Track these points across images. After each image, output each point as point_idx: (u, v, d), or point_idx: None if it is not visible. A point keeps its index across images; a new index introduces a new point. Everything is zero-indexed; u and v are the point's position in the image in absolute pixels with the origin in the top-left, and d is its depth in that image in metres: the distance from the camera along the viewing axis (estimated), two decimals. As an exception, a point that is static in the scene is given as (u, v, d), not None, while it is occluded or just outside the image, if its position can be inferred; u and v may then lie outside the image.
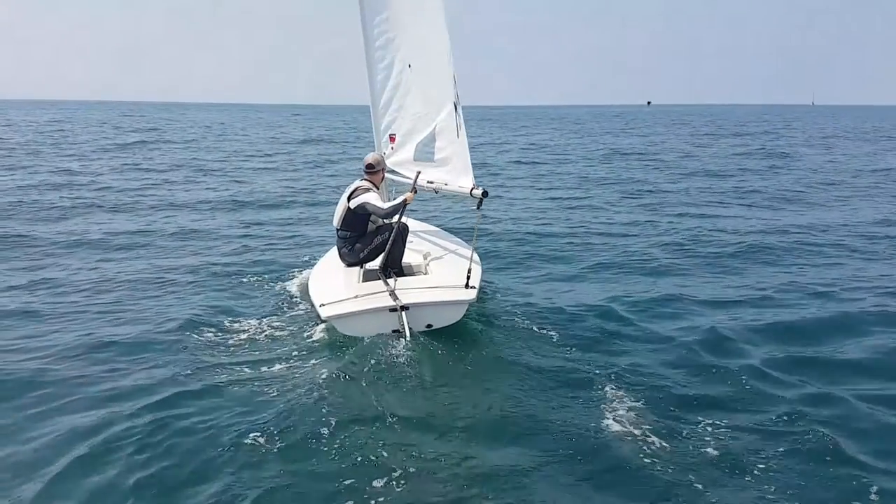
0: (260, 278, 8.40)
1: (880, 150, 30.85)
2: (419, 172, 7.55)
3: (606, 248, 10.55)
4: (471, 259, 6.57)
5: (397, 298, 5.96)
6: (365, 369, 5.24)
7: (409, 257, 7.29)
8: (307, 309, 6.91)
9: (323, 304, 6.05)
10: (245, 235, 11.50)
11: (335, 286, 6.64)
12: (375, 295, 6.19)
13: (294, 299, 7.39)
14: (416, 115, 8.02)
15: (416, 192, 7.59)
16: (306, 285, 7.40)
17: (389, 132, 8.51)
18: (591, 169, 23.56)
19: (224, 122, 64.95)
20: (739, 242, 10.69)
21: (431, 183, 7.56)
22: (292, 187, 18.17)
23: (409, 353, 5.51)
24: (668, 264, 9.47)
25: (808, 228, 12.10)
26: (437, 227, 9.13)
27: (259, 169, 22.98)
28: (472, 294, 6.12)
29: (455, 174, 7.30)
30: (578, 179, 20.46)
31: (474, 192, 6.80)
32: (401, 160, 8.27)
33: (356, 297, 6.20)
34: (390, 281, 6.49)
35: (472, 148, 7.44)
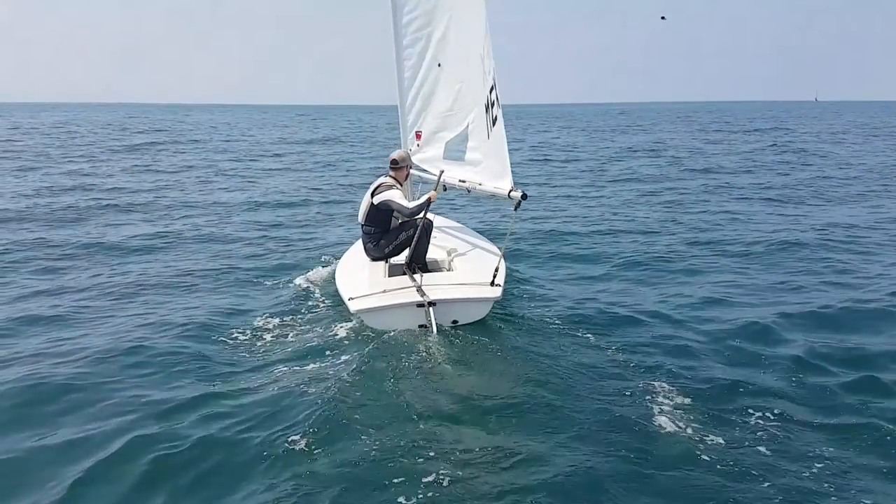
0: (281, 278, 8.35)
1: (893, 146, 30.60)
2: (442, 171, 7.61)
3: (633, 245, 10.40)
4: (500, 258, 6.63)
5: (424, 294, 6.04)
6: (396, 366, 5.23)
7: (432, 253, 7.35)
8: (331, 306, 6.92)
9: (352, 298, 6.16)
10: (263, 236, 11.40)
11: (363, 280, 6.73)
12: (403, 290, 6.26)
13: (317, 297, 7.35)
14: (444, 114, 7.99)
15: (445, 189, 7.81)
16: (328, 283, 7.56)
17: (416, 129, 8.46)
18: (605, 166, 23.45)
19: (228, 122, 65.04)
20: (767, 240, 10.53)
21: (464, 182, 7.57)
22: (305, 187, 18.10)
23: (439, 349, 5.52)
24: (696, 261, 9.34)
25: (833, 225, 11.91)
26: (460, 223, 9.14)
27: (270, 169, 22.91)
28: (497, 292, 6.19)
29: (490, 175, 7.25)
30: (593, 177, 20.36)
31: (513, 193, 6.76)
32: (427, 157, 8.25)
33: (384, 291, 6.26)
34: (416, 276, 6.54)
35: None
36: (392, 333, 5.86)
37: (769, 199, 15.27)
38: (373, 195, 7.03)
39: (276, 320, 6.59)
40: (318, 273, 8.33)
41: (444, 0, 7.44)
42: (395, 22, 7.96)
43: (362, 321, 6.16)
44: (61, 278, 8.45)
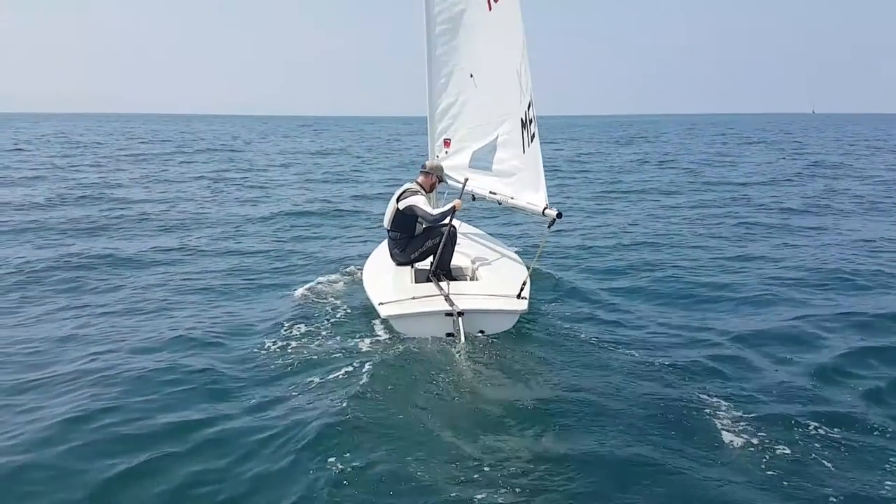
0: (301, 288, 8.17)
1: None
2: (466, 179, 7.84)
3: (661, 258, 10.22)
4: (528, 273, 6.75)
5: (453, 304, 6.17)
6: (429, 376, 5.35)
7: (456, 260, 7.51)
8: (355, 315, 6.93)
9: (382, 303, 6.29)
10: (281, 247, 11.23)
11: (391, 286, 6.88)
12: (432, 298, 6.42)
13: (342, 306, 7.29)
14: (474, 124, 8.01)
15: (473, 198, 8.06)
16: (350, 292, 7.76)
17: (444, 137, 8.46)
18: (619, 177, 23.37)
19: (228, 132, 65.01)
20: (803, 254, 10.39)
21: (494, 194, 7.63)
22: (317, 198, 17.94)
23: (467, 360, 5.65)
24: (729, 274, 9.17)
25: (866, 240, 11.61)
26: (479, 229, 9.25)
27: (280, 180, 22.74)
28: (524, 305, 6.33)
29: (522, 188, 7.29)
30: (607, 188, 20.21)
31: (547, 211, 6.80)
32: (454, 165, 8.31)
33: (413, 298, 6.42)
34: (443, 284, 6.68)
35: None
36: (420, 341, 6.01)
37: (792, 209, 15.10)
38: (398, 200, 7.11)
39: (303, 328, 6.56)
40: (340, 282, 8.36)
41: (478, 14, 7.40)
42: (427, 32, 7.90)
43: (389, 329, 6.30)
44: (85, 293, 8.25)
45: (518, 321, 6.39)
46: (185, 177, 22.72)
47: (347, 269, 8.90)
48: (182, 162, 28.84)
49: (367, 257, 8.18)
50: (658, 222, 13.70)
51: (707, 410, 4.81)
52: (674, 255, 10.42)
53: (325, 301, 7.53)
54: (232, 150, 37.70)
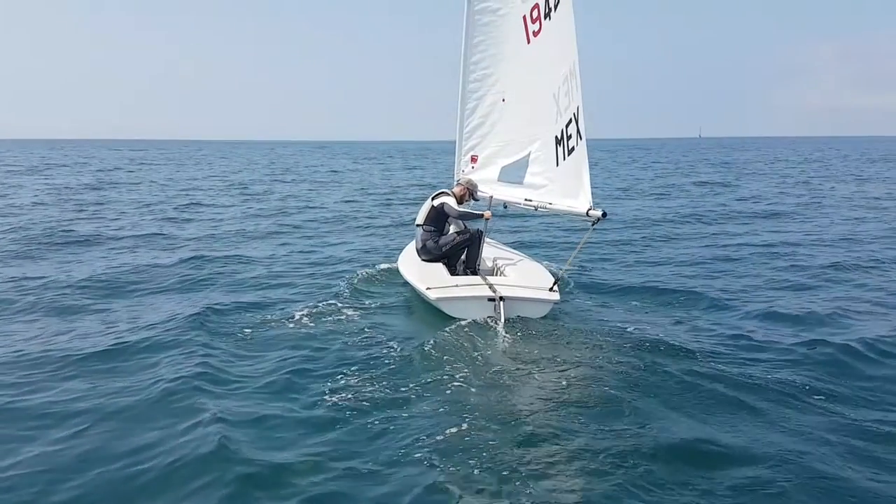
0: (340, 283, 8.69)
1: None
2: (492, 196, 8.71)
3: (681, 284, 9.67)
4: (564, 269, 7.79)
5: (495, 290, 6.98)
6: (471, 353, 6.04)
7: (483, 262, 8.40)
8: (392, 305, 7.57)
9: (429, 288, 7.12)
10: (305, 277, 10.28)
11: (434, 275, 7.67)
12: (475, 285, 7.29)
13: (377, 320, 7.37)
14: (503, 143, 8.78)
15: (505, 207, 8.95)
16: (380, 289, 8.61)
17: (472, 153, 9.19)
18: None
19: (142, 156, 61.45)
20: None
21: (530, 201, 8.25)
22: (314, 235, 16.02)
23: (507, 341, 6.34)
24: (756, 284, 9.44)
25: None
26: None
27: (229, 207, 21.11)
28: (556, 296, 7.16)
29: (559, 196, 7.88)
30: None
31: (591, 212, 7.28)
32: (480, 178, 9.00)
33: (457, 285, 7.27)
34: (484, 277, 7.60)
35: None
36: (463, 323, 6.72)
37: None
38: (433, 199, 8.35)
39: (343, 316, 7.18)
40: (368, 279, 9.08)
41: (517, 47, 8.07)
42: (463, 60, 8.65)
43: (431, 315, 7.04)
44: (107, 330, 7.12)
45: (552, 311, 7.11)
46: (136, 203, 21.17)
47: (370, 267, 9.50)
48: (130, 188, 26.84)
49: (398, 256, 9.02)
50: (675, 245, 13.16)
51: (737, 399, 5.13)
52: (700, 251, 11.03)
53: (361, 318, 7.46)
54: (162, 177, 34.97)
